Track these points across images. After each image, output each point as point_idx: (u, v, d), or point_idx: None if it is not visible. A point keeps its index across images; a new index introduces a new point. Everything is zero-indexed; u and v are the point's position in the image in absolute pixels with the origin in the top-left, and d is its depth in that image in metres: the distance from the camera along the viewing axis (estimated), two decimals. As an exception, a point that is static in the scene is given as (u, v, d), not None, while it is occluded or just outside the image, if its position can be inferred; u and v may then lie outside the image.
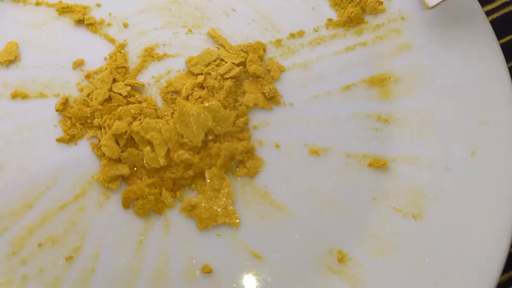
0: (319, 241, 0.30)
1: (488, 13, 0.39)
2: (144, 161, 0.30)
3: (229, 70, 0.31)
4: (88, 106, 0.31)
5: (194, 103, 0.31)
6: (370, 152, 0.32)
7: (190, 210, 0.30)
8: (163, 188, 0.30)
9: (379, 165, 0.32)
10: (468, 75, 0.33)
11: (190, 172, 0.30)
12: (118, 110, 0.31)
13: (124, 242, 0.30)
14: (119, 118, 0.31)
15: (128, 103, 0.32)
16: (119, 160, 0.30)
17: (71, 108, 0.31)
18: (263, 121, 0.33)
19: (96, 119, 0.31)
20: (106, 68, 0.32)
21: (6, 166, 0.30)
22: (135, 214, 0.30)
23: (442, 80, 0.33)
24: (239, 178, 0.31)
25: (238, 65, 0.32)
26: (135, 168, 0.30)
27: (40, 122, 0.31)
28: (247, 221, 0.31)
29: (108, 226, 0.30)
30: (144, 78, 0.33)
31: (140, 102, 0.32)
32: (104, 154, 0.30)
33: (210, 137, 0.31)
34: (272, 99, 0.32)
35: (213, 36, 0.33)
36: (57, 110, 0.31)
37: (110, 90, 0.32)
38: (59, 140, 0.31)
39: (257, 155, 0.32)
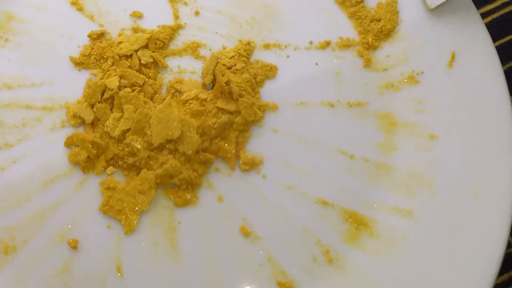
0: (178, 305, 0.28)
1: (488, 13, 0.38)
2: (106, 123, 0.31)
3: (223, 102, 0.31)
4: (110, 50, 0.33)
5: (184, 111, 0.31)
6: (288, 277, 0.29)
7: (106, 188, 0.30)
8: (103, 155, 0.31)
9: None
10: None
11: (131, 160, 0.30)
12: (126, 70, 0.32)
13: (40, 169, 0.30)
14: (121, 77, 0.31)
15: (140, 71, 0.32)
16: (92, 107, 0.31)
17: (100, 42, 0.33)
18: (228, 171, 0.31)
19: (105, 64, 0.32)
20: (148, 33, 0.33)
21: (20, 49, 0.33)
22: (68, 156, 0.31)
23: None
24: (166, 198, 0.30)
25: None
26: (98, 122, 0.31)
27: (71, 35, 0.34)
28: (139, 236, 0.29)
29: (41, 148, 0.31)
30: (171, 63, 0.33)
31: (149, 78, 0.32)
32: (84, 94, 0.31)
33: (170, 147, 0.30)
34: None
35: None
36: (88, 36, 0.33)
37: (136, 51, 0.33)
38: (70, 58, 0.33)
39: (196, 192, 0.30)
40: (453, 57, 0.33)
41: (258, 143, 0.32)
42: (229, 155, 0.31)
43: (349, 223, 0.30)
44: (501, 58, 0.33)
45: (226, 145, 0.31)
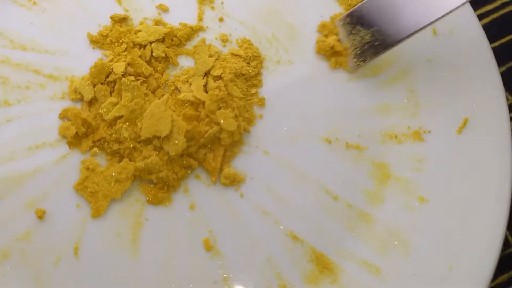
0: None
1: (488, 13, 0.38)
2: (102, 105, 0.31)
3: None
4: (127, 36, 0.33)
5: (180, 111, 0.31)
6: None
7: (85, 168, 0.30)
8: (92, 135, 0.31)
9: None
10: None
11: (116, 146, 0.30)
12: (135, 58, 0.32)
13: (30, 134, 0.31)
14: (128, 64, 0.32)
15: (149, 63, 0.32)
16: (94, 86, 0.32)
17: (120, 27, 0.33)
18: (208, 181, 0.31)
19: (118, 48, 0.33)
20: (168, 28, 0.33)
21: (44, 14, 0.34)
22: (58, 128, 0.31)
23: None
24: (140, 192, 0.30)
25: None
26: (96, 103, 0.31)
27: (95, 12, 0.34)
28: (105, 223, 0.30)
29: (36, 113, 0.31)
30: (183, 62, 0.33)
31: (156, 71, 0.32)
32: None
33: (156, 143, 0.30)
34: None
35: None
36: (110, 18, 0.34)
37: (151, 42, 0.33)
38: (88, 35, 0.33)
39: (171, 194, 0.30)
40: (465, 123, 0.32)
41: (245, 161, 0.31)
42: (212, 169, 0.31)
43: (314, 264, 0.30)
44: (501, 58, 0.32)
45: (212, 159, 0.31)
